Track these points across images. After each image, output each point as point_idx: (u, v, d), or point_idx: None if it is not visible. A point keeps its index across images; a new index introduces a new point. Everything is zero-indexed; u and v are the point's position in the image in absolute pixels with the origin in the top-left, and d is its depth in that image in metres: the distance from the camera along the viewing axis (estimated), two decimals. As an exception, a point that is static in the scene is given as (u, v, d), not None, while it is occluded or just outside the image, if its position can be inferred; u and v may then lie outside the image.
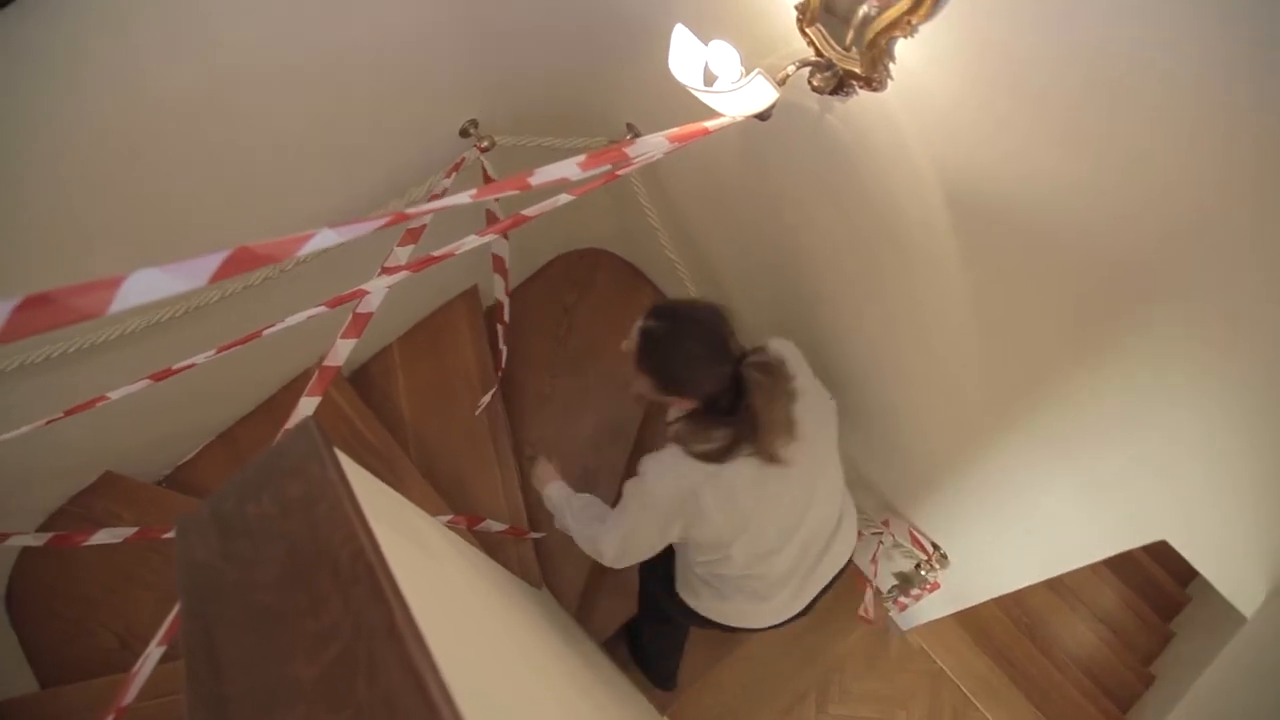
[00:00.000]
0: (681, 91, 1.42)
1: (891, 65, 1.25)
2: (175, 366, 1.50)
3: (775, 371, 1.68)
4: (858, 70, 1.29)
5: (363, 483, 0.95)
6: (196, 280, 0.74)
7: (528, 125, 2.22)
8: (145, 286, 0.70)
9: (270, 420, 2.66)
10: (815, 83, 1.37)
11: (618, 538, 1.82)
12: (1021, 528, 1.97)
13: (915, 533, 2.46)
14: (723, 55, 1.25)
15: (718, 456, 1.67)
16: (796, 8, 1.31)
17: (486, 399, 2.71)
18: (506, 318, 2.65)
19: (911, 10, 1.12)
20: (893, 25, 1.17)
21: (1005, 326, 1.52)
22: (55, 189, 1.64)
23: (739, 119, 1.31)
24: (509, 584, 2.00)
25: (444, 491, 2.53)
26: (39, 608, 2.34)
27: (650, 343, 1.70)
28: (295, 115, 1.85)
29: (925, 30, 1.15)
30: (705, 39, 1.33)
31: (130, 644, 2.29)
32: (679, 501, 1.71)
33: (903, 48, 1.22)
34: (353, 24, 1.74)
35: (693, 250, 2.48)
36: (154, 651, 1.54)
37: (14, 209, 1.61)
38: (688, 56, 1.27)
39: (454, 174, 2.13)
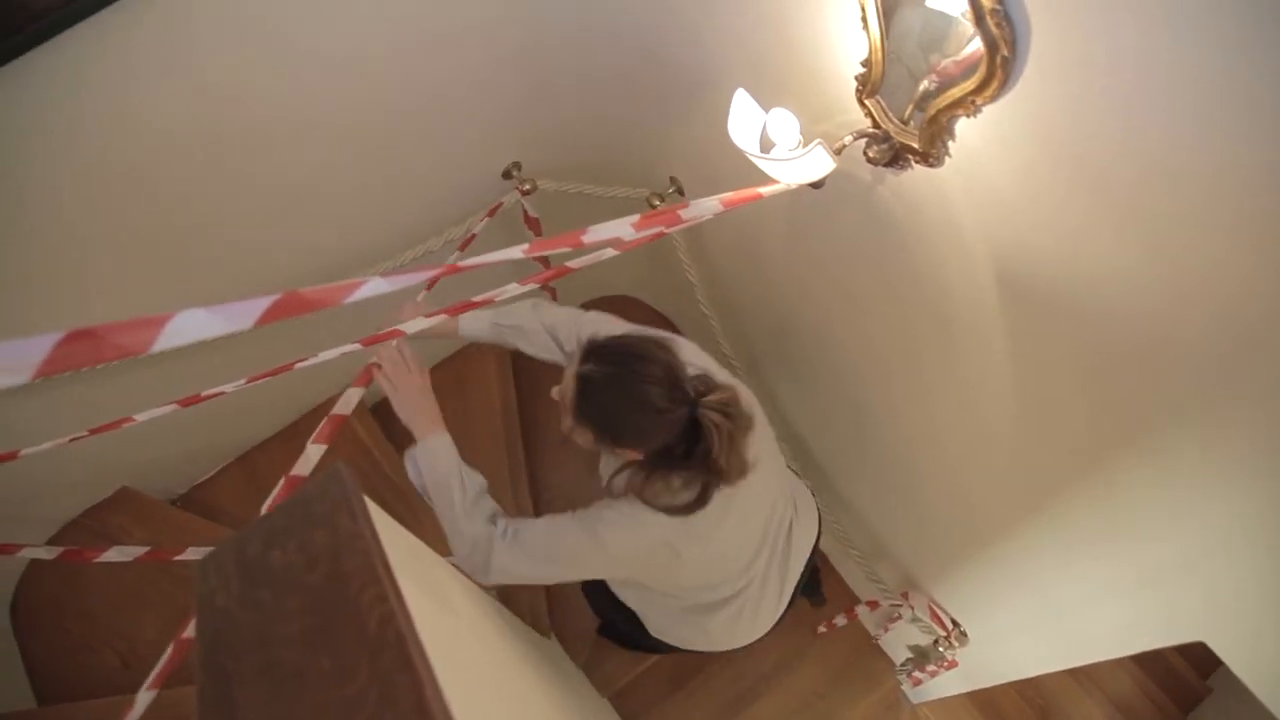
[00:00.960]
0: (729, 149, 1.41)
1: (950, 143, 1.24)
2: (204, 394, 1.49)
3: (734, 411, 1.44)
4: (915, 145, 1.28)
5: (390, 533, 0.93)
6: (242, 323, 0.74)
7: (570, 171, 2.23)
8: (190, 326, 0.70)
9: (290, 445, 2.64)
10: (870, 154, 1.36)
11: (524, 555, 1.52)
12: (1048, 614, 1.91)
13: (935, 608, 2.41)
14: (783, 123, 1.24)
15: (688, 509, 1.49)
16: (857, 79, 1.30)
17: None
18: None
19: (977, 91, 1.10)
20: (956, 104, 1.16)
21: (1046, 409, 1.48)
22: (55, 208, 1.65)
23: (793, 186, 1.30)
24: (517, 633, 1.96)
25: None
26: (44, 620, 2.32)
27: (591, 391, 1.43)
28: (337, 148, 1.86)
29: (989, 111, 1.14)
30: (762, 101, 1.33)
31: (132, 664, 2.26)
32: (645, 555, 1.55)
33: (964, 126, 1.20)
34: (408, 63, 1.75)
35: (727, 306, 2.47)
36: (144, 696, 1.51)
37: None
38: (746, 121, 1.26)
39: (492, 216, 2.13)
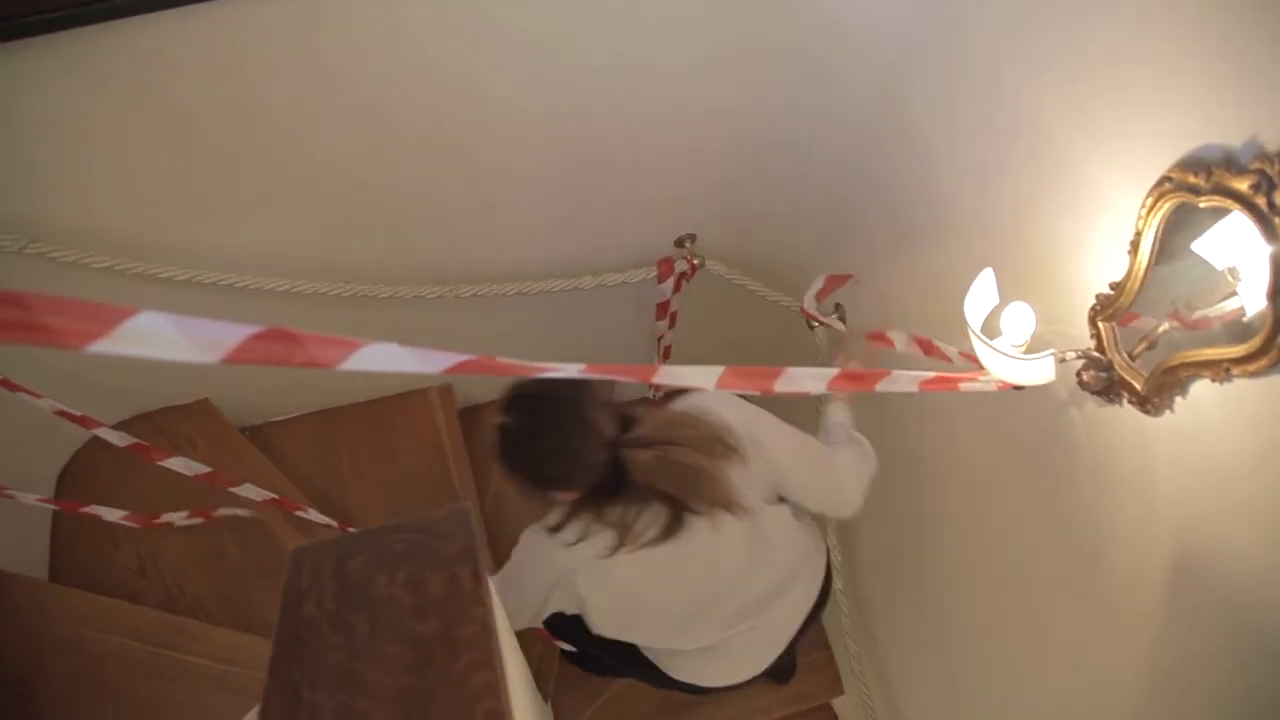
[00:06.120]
0: (915, 308, 1.34)
1: (1179, 397, 1.14)
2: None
3: (657, 441, 1.42)
4: (1137, 386, 1.19)
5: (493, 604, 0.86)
6: (431, 367, 0.75)
7: (741, 262, 2.19)
8: (380, 357, 0.71)
9: (372, 419, 2.65)
10: (1084, 377, 1.27)
11: None
12: None
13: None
14: (1020, 318, 1.16)
15: (654, 543, 1.47)
16: (1099, 298, 1.22)
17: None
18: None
19: (1240, 360, 1.00)
20: (1205, 364, 1.06)
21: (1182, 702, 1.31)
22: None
23: (995, 386, 1.22)
24: (529, 694, 1.87)
25: (500, 562, 2.44)
26: (85, 497, 2.30)
27: (510, 443, 1.42)
28: (533, 166, 1.88)
29: (1242, 381, 1.04)
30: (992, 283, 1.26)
31: (148, 573, 2.23)
32: (549, 585, 1.58)
33: (1202, 387, 1.11)
34: (640, 121, 1.77)
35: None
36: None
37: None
38: (980, 301, 1.19)
39: (662, 280, 2.11)
